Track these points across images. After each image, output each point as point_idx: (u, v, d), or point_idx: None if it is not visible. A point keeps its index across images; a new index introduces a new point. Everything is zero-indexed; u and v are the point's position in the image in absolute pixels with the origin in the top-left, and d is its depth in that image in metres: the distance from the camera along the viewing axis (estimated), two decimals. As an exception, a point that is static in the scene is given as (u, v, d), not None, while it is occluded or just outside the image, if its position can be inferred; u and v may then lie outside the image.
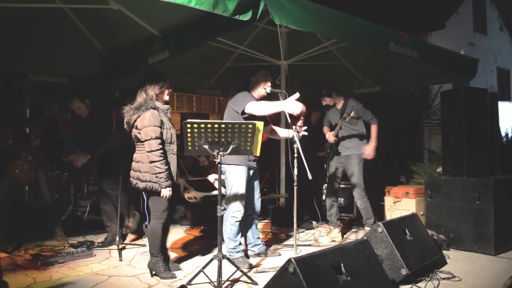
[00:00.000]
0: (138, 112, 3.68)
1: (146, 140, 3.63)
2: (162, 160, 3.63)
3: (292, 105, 3.88)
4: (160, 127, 3.70)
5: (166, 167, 3.66)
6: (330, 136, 5.37)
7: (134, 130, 3.76)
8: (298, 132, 3.99)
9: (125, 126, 3.85)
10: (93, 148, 4.96)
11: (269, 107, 4.02)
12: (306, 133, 4.04)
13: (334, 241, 5.34)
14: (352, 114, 5.03)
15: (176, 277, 3.82)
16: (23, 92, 6.69)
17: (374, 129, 5.25)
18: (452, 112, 5.11)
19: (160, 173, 3.63)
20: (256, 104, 4.08)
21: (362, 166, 5.29)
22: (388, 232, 3.55)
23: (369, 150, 5.19)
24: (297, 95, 3.91)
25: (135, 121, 3.71)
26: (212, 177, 5.28)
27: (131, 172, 3.82)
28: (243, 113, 4.11)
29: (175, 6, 3.16)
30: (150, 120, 3.64)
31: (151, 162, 3.64)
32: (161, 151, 3.64)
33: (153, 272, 3.85)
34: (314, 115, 6.68)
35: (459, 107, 4.98)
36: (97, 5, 4.53)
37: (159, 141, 3.64)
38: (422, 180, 6.01)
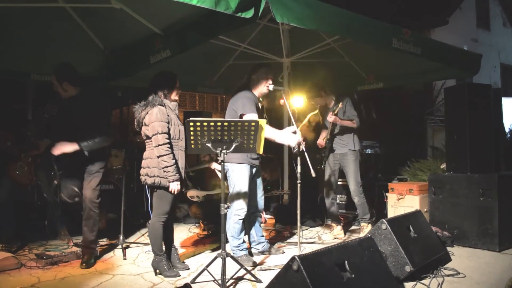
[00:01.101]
0: (146, 109, 3.77)
1: (154, 135, 3.68)
2: (169, 154, 3.67)
3: (289, 138, 3.96)
4: (168, 123, 3.74)
5: (174, 161, 3.69)
6: (320, 141, 5.41)
7: (143, 127, 3.82)
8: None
9: (135, 125, 3.92)
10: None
11: (268, 133, 3.97)
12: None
13: (337, 238, 5.33)
14: (340, 106, 5.05)
15: (180, 275, 3.82)
16: (26, 92, 6.70)
17: (351, 122, 5.20)
18: (455, 108, 5.09)
19: (167, 166, 3.66)
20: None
21: (358, 163, 5.29)
22: (392, 229, 3.55)
23: (333, 116, 5.11)
24: (294, 127, 3.96)
25: (143, 118, 3.78)
26: (215, 165, 5.24)
27: (141, 169, 3.87)
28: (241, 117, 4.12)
29: (177, 4, 3.16)
30: (157, 115, 3.70)
31: (159, 156, 3.67)
32: (168, 145, 3.68)
33: (157, 271, 3.86)
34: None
35: (462, 103, 4.96)
36: (99, 4, 4.53)
37: (166, 135, 3.69)
38: (426, 177, 6.00)
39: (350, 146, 5.27)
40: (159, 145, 3.65)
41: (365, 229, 5.28)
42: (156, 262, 3.85)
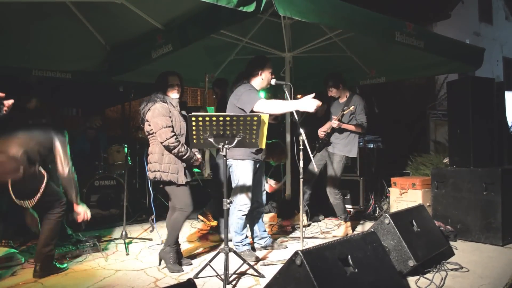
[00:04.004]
0: (148, 105, 3.81)
1: (158, 131, 3.71)
2: (179, 144, 3.71)
3: (306, 103, 3.78)
4: (170, 117, 3.77)
5: (187, 149, 3.75)
6: (320, 133, 5.33)
7: (145, 123, 3.87)
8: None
9: (140, 121, 3.98)
10: None
11: (281, 106, 3.91)
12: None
13: (298, 224, 5.43)
14: (351, 109, 4.95)
15: (183, 270, 3.82)
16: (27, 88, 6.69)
17: (356, 127, 5.10)
18: (458, 102, 5.07)
19: (184, 155, 3.75)
20: (267, 103, 3.93)
21: (342, 166, 5.18)
22: (395, 224, 3.54)
23: (337, 122, 5.03)
24: (313, 95, 3.83)
25: (146, 114, 3.83)
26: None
27: (148, 165, 3.89)
28: (251, 112, 3.95)
29: (179, -2, 3.15)
30: (159, 111, 3.74)
31: (170, 151, 3.72)
32: (175, 137, 3.71)
33: (162, 261, 3.86)
34: (321, 108, 6.65)
35: (465, 97, 4.94)
36: (100, -1, 4.52)
37: (170, 129, 3.71)
38: (429, 171, 5.98)
39: (340, 150, 5.15)
40: (167, 139, 3.67)
41: (341, 226, 5.31)
42: (164, 252, 3.85)
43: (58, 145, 3.71)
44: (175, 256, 3.87)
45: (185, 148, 3.76)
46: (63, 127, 4.63)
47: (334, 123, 5.05)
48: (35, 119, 4.49)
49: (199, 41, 4.64)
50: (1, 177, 3.49)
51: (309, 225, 5.73)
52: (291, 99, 4.06)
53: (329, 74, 5.33)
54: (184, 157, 3.78)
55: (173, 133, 3.71)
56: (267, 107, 3.91)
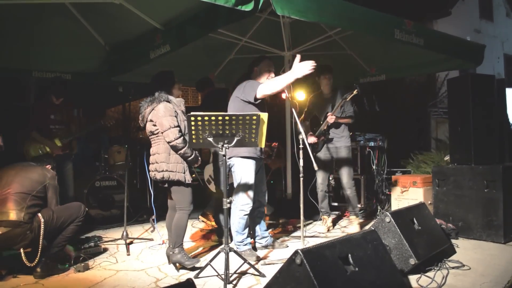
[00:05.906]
0: (152, 105, 3.78)
1: (165, 131, 3.68)
2: (185, 144, 3.70)
3: (301, 68, 3.74)
4: (176, 117, 3.76)
5: (189, 150, 3.75)
6: (311, 139, 5.34)
7: (148, 123, 3.83)
8: None
9: (140, 120, 3.94)
10: None
11: (281, 81, 3.85)
12: None
13: (329, 230, 5.41)
14: (355, 92, 4.95)
15: (200, 260, 3.82)
16: (28, 89, 6.70)
17: (347, 119, 5.28)
18: (459, 99, 5.05)
19: (189, 157, 3.76)
20: (266, 84, 3.95)
21: (351, 156, 5.34)
22: (396, 222, 3.52)
23: (333, 117, 5.12)
24: (298, 56, 3.80)
25: (149, 114, 3.80)
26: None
27: (150, 165, 3.89)
28: (256, 99, 3.98)
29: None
30: (164, 111, 3.71)
31: (177, 151, 3.71)
32: (183, 138, 3.70)
33: (174, 260, 3.82)
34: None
35: (466, 94, 4.92)
36: (99, -1, 4.52)
37: (178, 129, 3.70)
38: (430, 169, 5.96)
39: (344, 142, 5.32)
40: (176, 138, 3.66)
41: (354, 222, 5.30)
42: (175, 254, 3.81)
43: (51, 193, 3.83)
44: (186, 253, 3.87)
45: (190, 149, 3.76)
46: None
47: (331, 119, 5.11)
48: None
49: (198, 41, 4.62)
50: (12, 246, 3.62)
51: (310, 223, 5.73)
52: (290, 98, 4.07)
53: (323, 64, 5.23)
54: (189, 158, 3.78)
55: (180, 133, 3.69)
56: (268, 88, 3.92)
